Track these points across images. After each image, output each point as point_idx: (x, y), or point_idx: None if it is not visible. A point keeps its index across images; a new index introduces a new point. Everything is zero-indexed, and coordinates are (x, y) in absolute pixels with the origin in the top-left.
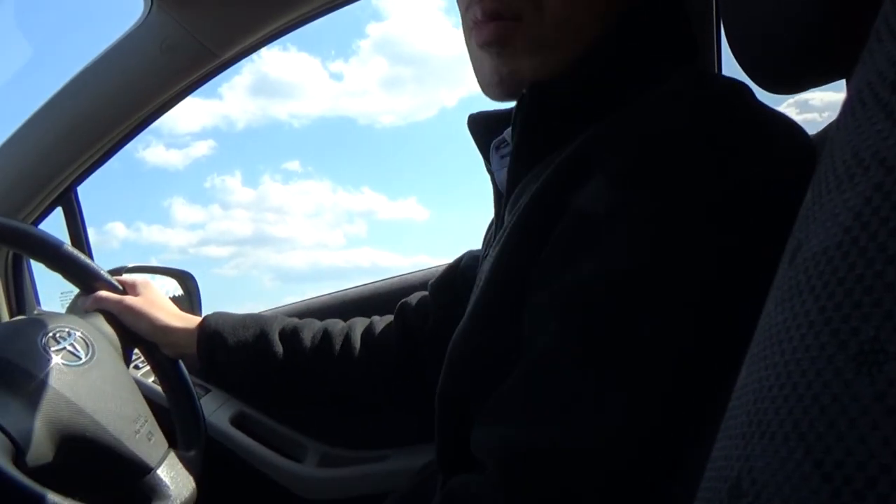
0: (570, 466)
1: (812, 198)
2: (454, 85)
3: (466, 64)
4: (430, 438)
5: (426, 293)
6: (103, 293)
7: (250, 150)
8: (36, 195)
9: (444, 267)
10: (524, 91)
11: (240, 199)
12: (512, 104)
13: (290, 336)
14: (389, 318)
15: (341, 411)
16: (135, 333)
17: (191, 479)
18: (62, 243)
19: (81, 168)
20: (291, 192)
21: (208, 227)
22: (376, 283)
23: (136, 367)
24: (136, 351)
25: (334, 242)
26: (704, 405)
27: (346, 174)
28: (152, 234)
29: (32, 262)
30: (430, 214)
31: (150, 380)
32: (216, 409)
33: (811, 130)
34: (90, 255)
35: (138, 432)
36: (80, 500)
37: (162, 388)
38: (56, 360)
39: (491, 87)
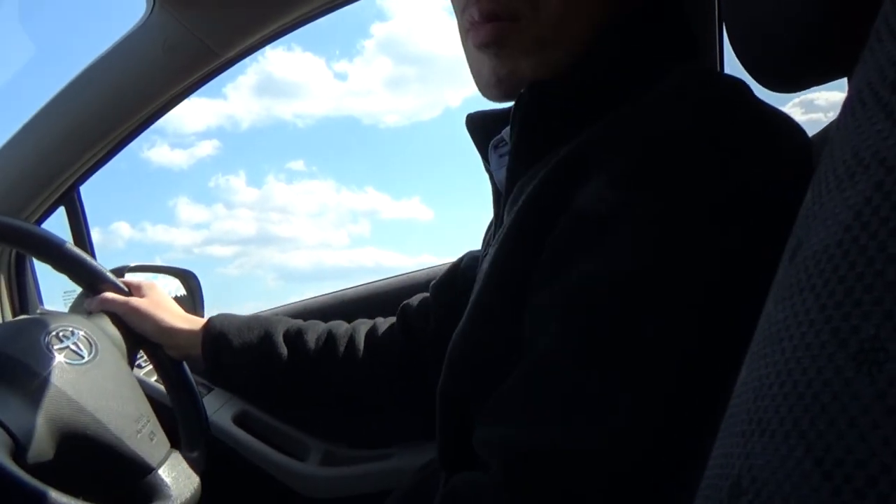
0: (573, 467)
1: (812, 197)
2: (458, 85)
3: None
4: (432, 437)
5: (427, 294)
6: (109, 295)
7: (255, 149)
8: (39, 194)
9: (445, 266)
10: (522, 91)
11: (244, 198)
12: (510, 104)
13: (295, 338)
14: (393, 319)
15: (345, 412)
16: (140, 335)
17: (192, 479)
18: (65, 242)
19: (84, 167)
20: (295, 192)
21: (213, 227)
22: (378, 283)
23: (139, 367)
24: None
25: (338, 242)
26: (707, 405)
27: (350, 174)
28: (157, 233)
29: (35, 261)
30: (433, 214)
31: (153, 379)
32: (219, 408)
33: (816, 130)
34: (93, 255)
35: (140, 432)
36: (80, 498)
37: (165, 388)
38: (59, 358)
39: (489, 88)
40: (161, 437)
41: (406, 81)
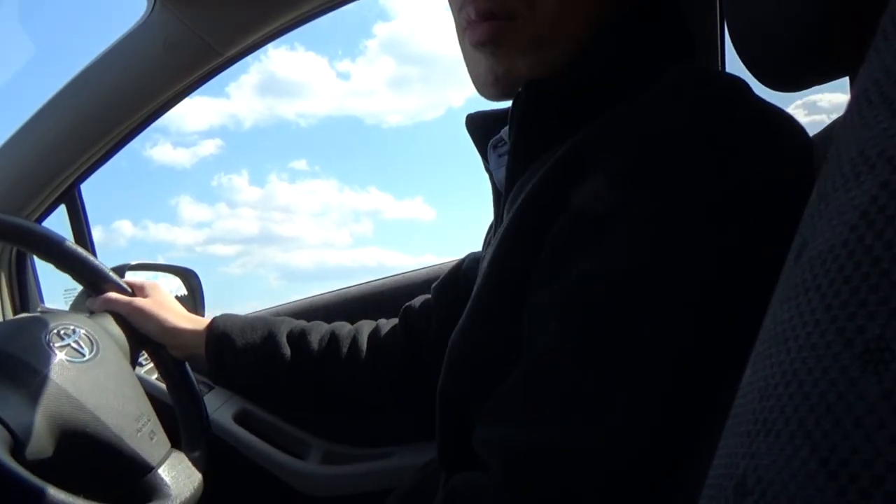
0: (572, 466)
1: (818, 196)
2: (461, 85)
3: None
4: (433, 436)
5: (429, 296)
6: (112, 294)
7: (257, 149)
8: (39, 192)
9: (450, 264)
10: (520, 90)
11: (246, 197)
12: (508, 103)
13: (298, 338)
14: (396, 321)
15: (348, 413)
16: (143, 335)
17: (192, 479)
18: (66, 240)
19: (85, 166)
20: (298, 192)
21: (215, 226)
22: (379, 281)
23: (140, 364)
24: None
25: (340, 242)
26: (705, 405)
27: (352, 173)
28: (159, 232)
29: (36, 259)
30: (436, 214)
31: (154, 377)
32: (220, 406)
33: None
34: (93, 253)
35: (140, 431)
36: (79, 496)
37: (167, 388)
38: (60, 355)
39: (486, 87)
40: (161, 437)
41: (409, 81)
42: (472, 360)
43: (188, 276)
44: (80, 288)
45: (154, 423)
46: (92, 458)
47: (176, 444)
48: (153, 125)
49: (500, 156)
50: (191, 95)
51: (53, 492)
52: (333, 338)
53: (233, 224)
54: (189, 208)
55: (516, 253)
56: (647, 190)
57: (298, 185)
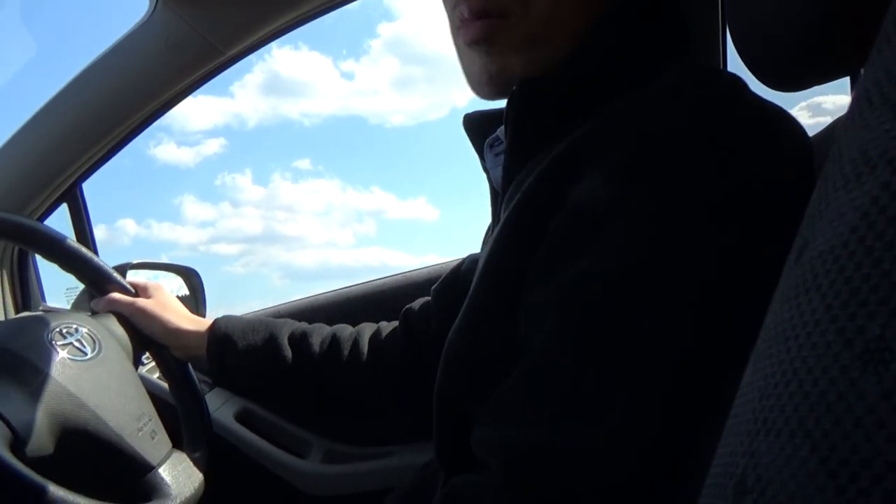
0: (571, 466)
1: (819, 196)
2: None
3: None
4: (433, 437)
5: (429, 298)
6: (115, 295)
7: (261, 148)
8: (41, 191)
9: (449, 264)
10: (514, 89)
11: (250, 197)
12: (504, 102)
13: (299, 340)
14: (397, 323)
15: (349, 415)
16: (147, 336)
17: (193, 479)
18: (69, 240)
19: (86, 164)
20: (301, 191)
21: (218, 225)
22: (381, 280)
23: (142, 364)
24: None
25: (344, 241)
26: (705, 404)
27: (356, 173)
28: (163, 231)
29: (38, 257)
30: (439, 214)
31: (156, 376)
32: (221, 405)
33: None
34: (95, 252)
35: (141, 430)
36: (79, 493)
37: (169, 389)
38: (62, 354)
39: (481, 86)
40: (163, 437)
41: (413, 81)
42: (468, 359)
43: (190, 276)
44: (81, 287)
45: (155, 423)
46: (92, 456)
47: (177, 444)
48: (157, 124)
49: (496, 155)
50: (194, 94)
51: (54, 489)
52: (335, 340)
53: (236, 223)
54: (193, 207)
55: (512, 252)
56: (645, 186)
57: (302, 185)
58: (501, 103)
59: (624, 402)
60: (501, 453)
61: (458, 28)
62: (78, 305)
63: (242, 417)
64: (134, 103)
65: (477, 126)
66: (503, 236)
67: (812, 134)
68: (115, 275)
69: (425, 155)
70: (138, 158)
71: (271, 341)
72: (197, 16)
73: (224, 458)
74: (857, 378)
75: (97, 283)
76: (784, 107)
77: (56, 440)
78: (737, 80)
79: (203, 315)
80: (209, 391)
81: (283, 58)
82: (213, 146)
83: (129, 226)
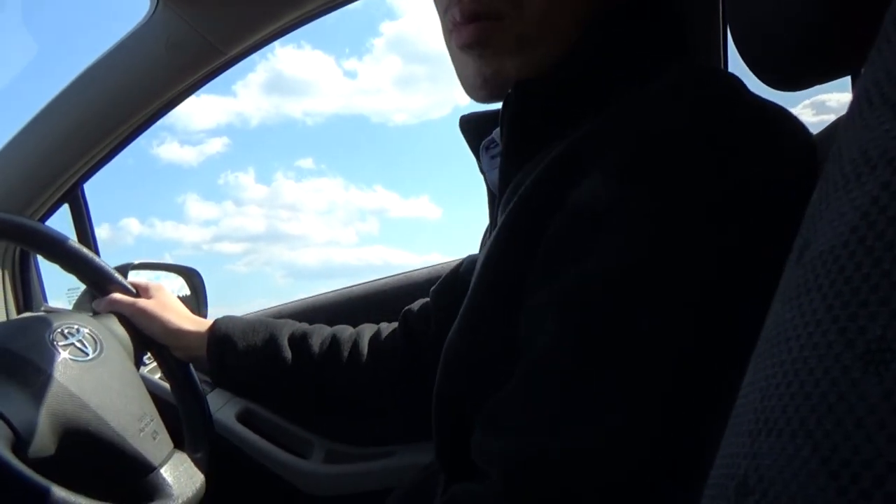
0: (572, 467)
1: (819, 196)
2: None
3: None
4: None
5: (428, 299)
6: (116, 295)
7: (264, 147)
8: (43, 192)
9: (451, 264)
10: (509, 91)
11: (253, 195)
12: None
13: (300, 341)
14: (396, 324)
15: (349, 415)
16: (148, 336)
17: (195, 480)
18: (70, 240)
19: (88, 165)
20: (304, 190)
21: (222, 224)
22: (382, 280)
23: (143, 364)
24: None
25: (346, 240)
26: (705, 405)
27: (358, 172)
28: (166, 230)
29: (39, 258)
30: (442, 213)
31: (157, 376)
32: (223, 406)
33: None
34: (97, 252)
35: (143, 430)
36: (80, 494)
37: (171, 389)
38: (63, 354)
39: (475, 90)
40: (164, 437)
41: (416, 80)
42: (467, 360)
43: (191, 276)
44: (83, 287)
45: (157, 423)
46: (94, 457)
47: (179, 444)
48: (160, 123)
49: (492, 157)
50: (197, 94)
51: (54, 489)
52: (335, 341)
53: (239, 222)
54: (196, 206)
55: (510, 255)
56: (645, 186)
57: (305, 184)
58: (498, 104)
59: (624, 401)
60: (501, 462)
61: (450, 31)
62: (79, 306)
63: (244, 418)
64: (134, 104)
65: (474, 127)
66: (501, 239)
67: (816, 132)
68: (117, 275)
69: (428, 153)
70: (142, 158)
71: (271, 342)
72: (197, 16)
73: (225, 458)
74: (859, 379)
75: (98, 284)
76: (787, 105)
77: (58, 441)
78: (735, 80)
79: (204, 315)
80: (210, 391)
81: (286, 57)
82: (217, 145)
83: (132, 225)
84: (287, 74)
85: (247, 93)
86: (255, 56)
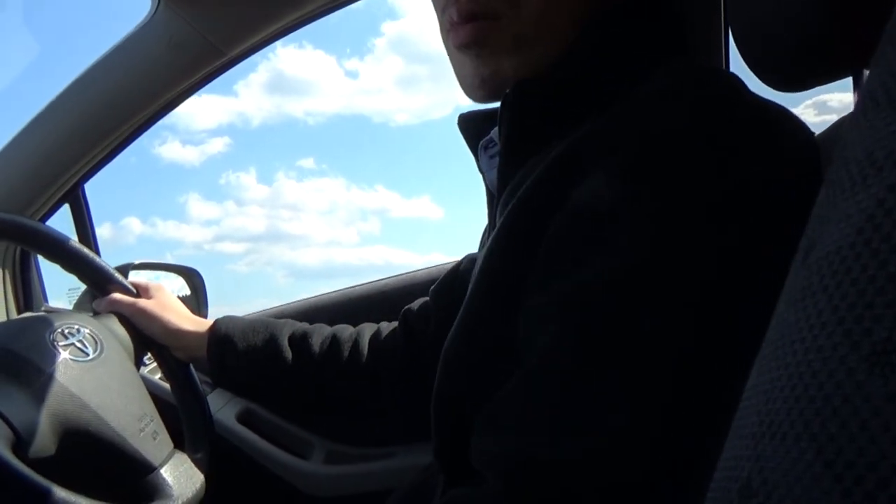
0: (572, 468)
1: (825, 198)
2: None
3: None
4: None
5: (428, 298)
6: (117, 296)
7: (265, 147)
8: (43, 192)
9: (452, 264)
10: (507, 91)
11: (254, 195)
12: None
13: (300, 341)
14: (396, 324)
15: (349, 416)
16: (148, 336)
17: (195, 480)
18: (71, 240)
19: (89, 165)
20: (306, 190)
21: (223, 224)
22: (383, 281)
23: (143, 364)
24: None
25: (348, 240)
26: (707, 406)
27: (360, 172)
28: (168, 229)
29: (39, 258)
30: (444, 213)
31: (158, 376)
32: (223, 406)
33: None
34: (97, 252)
35: (143, 430)
36: (80, 494)
37: (171, 390)
38: (64, 354)
39: (473, 90)
40: (164, 437)
41: (417, 80)
42: (467, 360)
43: (191, 276)
44: (83, 287)
45: (157, 424)
46: (94, 457)
47: (179, 444)
48: (161, 123)
49: (491, 157)
50: (198, 94)
51: (54, 489)
52: (335, 341)
53: (241, 222)
54: (197, 206)
55: (509, 255)
56: (646, 186)
57: (306, 184)
58: (497, 104)
59: (625, 402)
60: (502, 463)
61: (447, 31)
62: (80, 306)
63: (244, 418)
64: (135, 104)
65: (472, 126)
66: (500, 241)
67: (819, 132)
68: (117, 275)
69: (429, 153)
70: (143, 157)
71: (271, 342)
72: (199, 16)
73: (226, 458)
74: (864, 381)
75: (99, 284)
76: (789, 105)
77: (58, 441)
78: (735, 79)
79: (205, 315)
80: (211, 392)
81: (288, 56)
82: (218, 145)
83: (134, 224)
84: (288, 74)
85: (248, 93)
86: (256, 56)
